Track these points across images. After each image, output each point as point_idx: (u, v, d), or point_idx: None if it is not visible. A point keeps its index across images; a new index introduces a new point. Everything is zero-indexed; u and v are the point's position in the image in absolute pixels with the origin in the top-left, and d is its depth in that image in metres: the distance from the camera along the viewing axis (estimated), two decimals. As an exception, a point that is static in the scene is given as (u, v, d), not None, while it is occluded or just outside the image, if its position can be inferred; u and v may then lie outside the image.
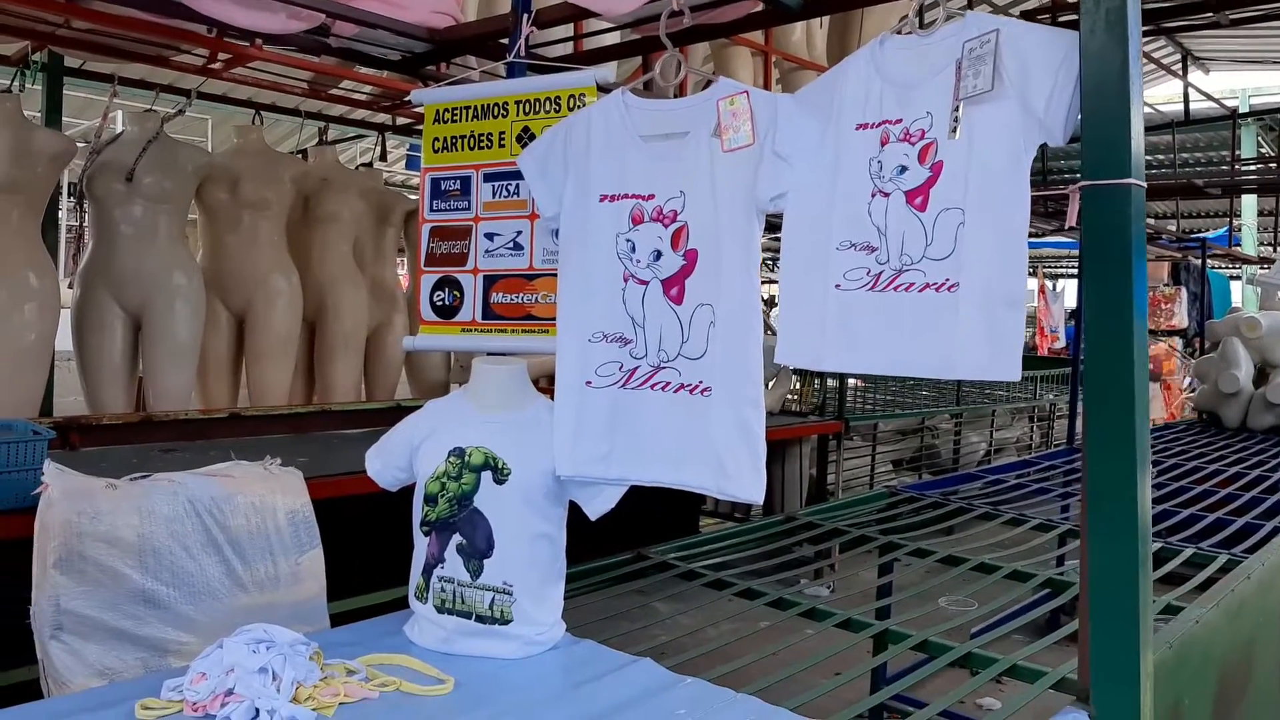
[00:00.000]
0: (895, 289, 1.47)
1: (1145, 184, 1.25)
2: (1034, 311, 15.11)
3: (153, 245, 3.65)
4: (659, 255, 1.69)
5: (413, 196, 4.81)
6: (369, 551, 2.63)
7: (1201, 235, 11.13)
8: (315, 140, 4.82)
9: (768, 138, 1.60)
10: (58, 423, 3.05)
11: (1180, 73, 8.17)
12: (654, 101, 1.78)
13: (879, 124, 1.52)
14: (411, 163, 10.57)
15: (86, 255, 3.69)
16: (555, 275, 1.80)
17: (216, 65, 2.45)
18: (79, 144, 3.73)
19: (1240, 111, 10.82)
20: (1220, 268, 14.16)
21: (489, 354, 1.93)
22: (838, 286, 1.53)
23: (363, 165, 5.13)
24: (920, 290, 1.44)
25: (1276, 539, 2.53)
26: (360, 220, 4.49)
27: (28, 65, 3.49)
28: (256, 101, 4.35)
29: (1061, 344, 13.06)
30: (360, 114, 4.79)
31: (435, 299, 2.03)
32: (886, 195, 1.49)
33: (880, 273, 1.49)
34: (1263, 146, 12.56)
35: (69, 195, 6.53)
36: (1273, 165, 9.95)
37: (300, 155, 4.89)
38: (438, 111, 2.03)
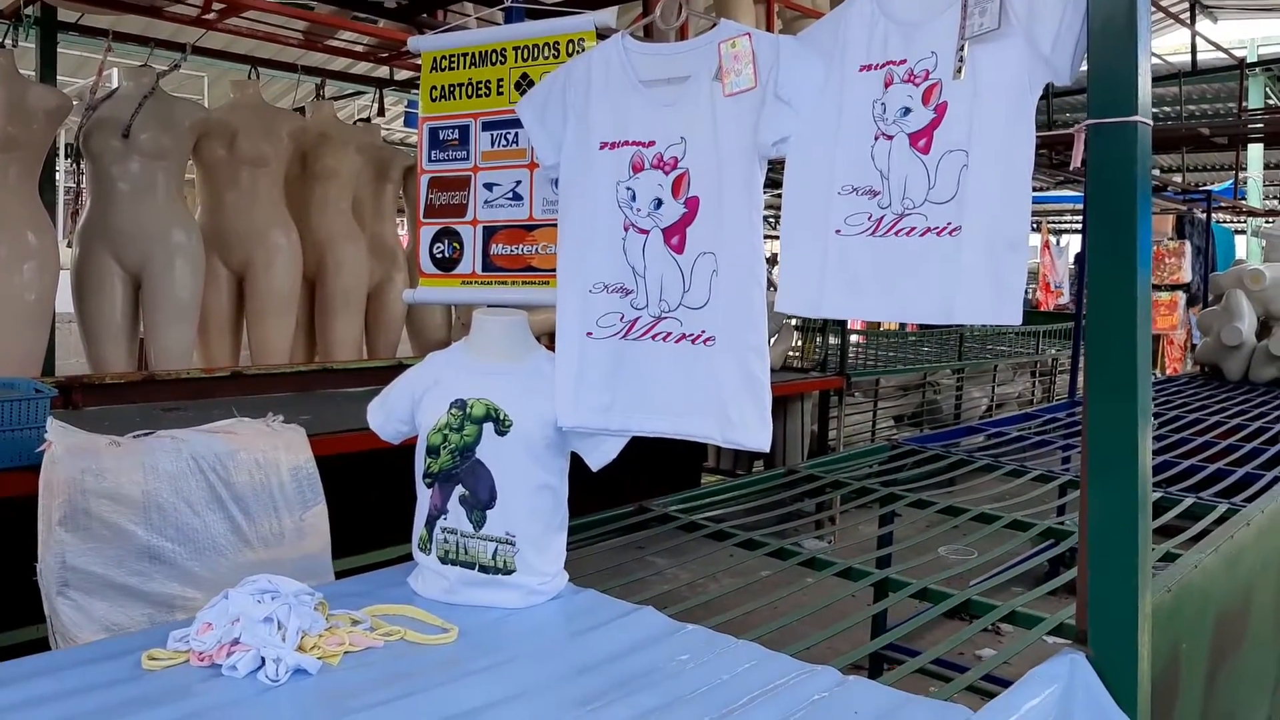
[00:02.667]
0: (897, 234, 1.46)
1: (1151, 122, 1.23)
2: (1037, 267, 15.04)
3: (151, 203, 3.62)
4: (660, 203, 1.67)
5: (411, 152, 4.76)
6: (373, 508, 2.64)
7: (1207, 188, 11.05)
8: (313, 96, 4.77)
9: (770, 81, 1.57)
10: (60, 382, 3.05)
11: (1188, 21, 8.05)
12: (654, 45, 1.75)
13: (883, 65, 1.49)
14: (410, 120, 10.45)
15: (84, 214, 3.67)
16: (555, 226, 1.79)
17: (211, 15, 2.41)
18: (74, 101, 3.69)
19: (1248, 61, 10.69)
20: (1226, 221, 14.06)
21: (489, 306, 1.92)
22: (838, 232, 1.52)
23: (361, 121, 5.07)
24: (922, 235, 1.43)
25: (1276, 487, 2.53)
26: (359, 176, 4.45)
27: (20, 20, 3.44)
28: (254, 56, 4.29)
29: (1065, 299, 13.02)
30: (359, 68, 4.72)
31: (435, 251, 2.02)
32: (890, 138, 1.47)
33: (882, 217, 1.47)
34: (1270, 97, 12.40)
35: (66, 155, 6.49)
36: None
37: (298, 111, 4.85)
38: (435, 59, 2.00)
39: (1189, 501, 2.52)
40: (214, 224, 3.96)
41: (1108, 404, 1.24)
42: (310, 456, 2.31)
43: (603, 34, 1.83)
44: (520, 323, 1.75)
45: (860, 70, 1.52)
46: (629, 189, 1.70)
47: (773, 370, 5.10)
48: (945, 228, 1.40)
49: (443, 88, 2.00)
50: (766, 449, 1.56)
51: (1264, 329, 5.82)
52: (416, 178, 2.07)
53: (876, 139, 1.48)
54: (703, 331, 1.63)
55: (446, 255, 2.01)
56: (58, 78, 4.12)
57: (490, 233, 1.97)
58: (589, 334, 1.71)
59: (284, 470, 2.29)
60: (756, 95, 1.58)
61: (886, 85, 1.48)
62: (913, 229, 1.44)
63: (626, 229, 1.70)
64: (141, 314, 3.73)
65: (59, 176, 4.94)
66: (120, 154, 3.57)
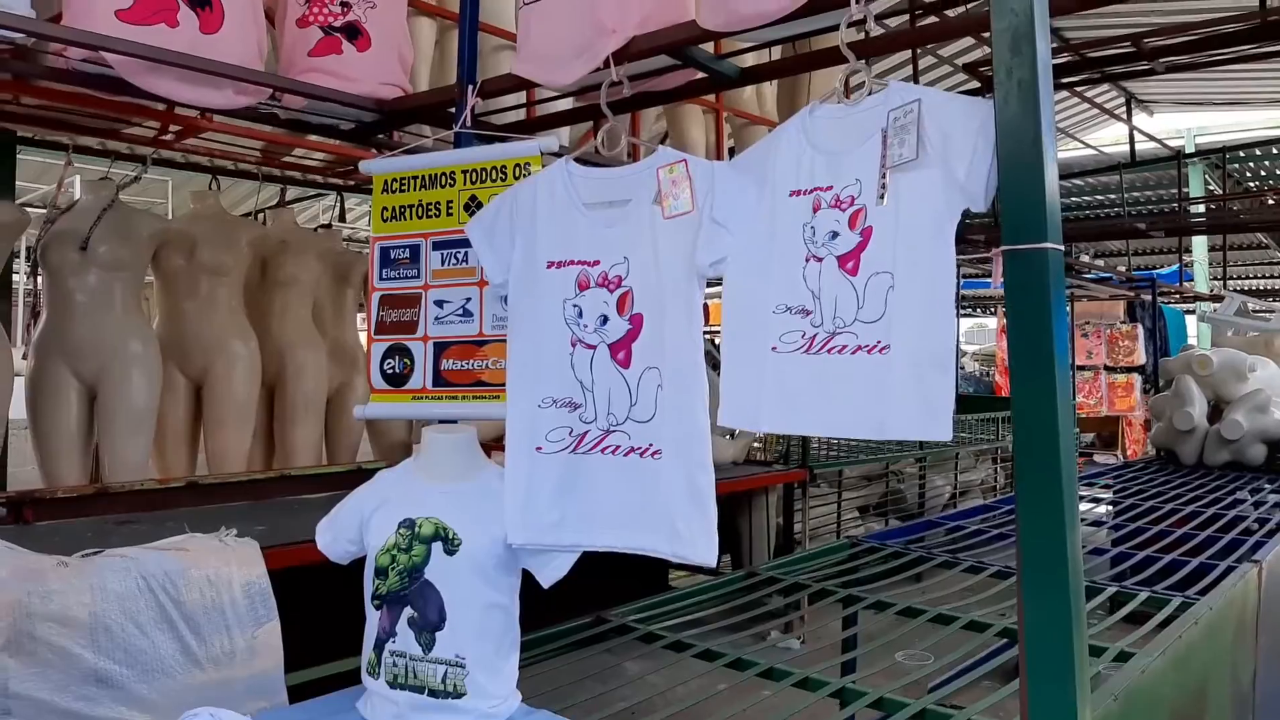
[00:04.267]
0: (829, 351, 1.50)
1: (1062, 246, 1.30)
2: (994, 350, 15.29)
3: (108, 313, 3.63)
4: (605, 320, 1.72)
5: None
6: (329, 619, 2.60)
7: (1152, 273, 11.39)
8: (275, 200, 4.84)
9: (706, 205, 1.64)
10: (10, 497, 3.00)
11: (1125, 117, 8.41)
12: (596, 170, 1.82)
13: (811, 190, 1.56)
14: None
15: (40, 325, 3.66)
16: (505, 341, 1.82)
17: (168, 136, 2.47)
18: (35, 210, 3.72)
19: (1187, 151, 11.16)
20: (1175, 303, 14.45)
21: (439, 421, 1.94)
22: (774, 349, 1.56)
23: (322, 226, 5.14)
24: (853, 352, 1.48)
25: (1225, 581, 2.57)
26: (319, 282, 4.49)
27: (-22, 138, 3.49)
28: (214, 166, 4.36)
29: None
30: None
31: (385, 367, 2.04)
32: (820, 260, 1.53)
33: (815, 335, 1.52)
34: (1210, 184, 12.92)
35: (26, 259, 6.48)
36: (1221, 202, 10.22)
37: (259, 217, 4.91)
38: (386, 181, 2.06)
39: (1144, 596, 2.54)
40: (172, 333, 3.97)
41: (1036, 521, 1.27)
42: (264, 572, 2.29)
43: (548, 158, 1.90)
44: (469, 439, 1.77)
45: (790, 195, 1.58)
46: (576, 306, 1.74)
47: (736, 464, 5.12)
48: (875, 346, 1.45)
49: (394, 208, 2.06)
50: (713, 564, 1.58)
51: (1215, 413, 5.94)
52: (368, 293, 2.11)
53: (808, 260, 1.54)
54: (650, 445, 1.65)
55: (397, 371, 2.03)
56: (17, 184, 4.16)
57: (441, 348, 2.00)
58: (538, 448, 1.73)
59: (236, 587, 2.26)
60: (694, 218, 1.65)
61: (815, 210, 1.55)
62: (844, 347, 1.49)
63: (574, 345, 1.74)
64: (96, 424, 3.69)
65: (17, 279, 4.93)
66: (78, 266, 3.58)
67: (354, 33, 2.26)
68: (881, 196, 1.46)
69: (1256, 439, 5.60)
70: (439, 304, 2.00)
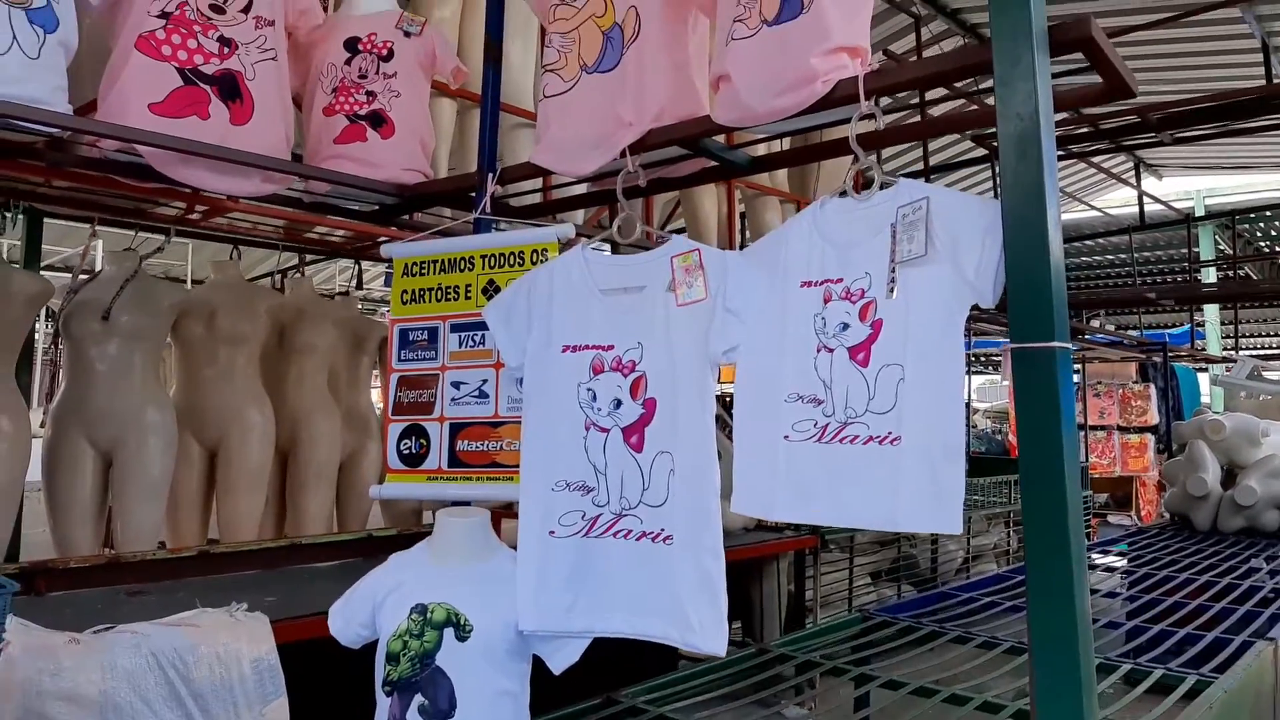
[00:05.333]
0: (841, 441, 1.52)
1: (1070, 345, 1.32)
2: (1005, 407, 15.21)
3: (127, 382, 3.66)
4: (619, 404, 1.75)
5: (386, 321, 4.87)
6: (338, 695, 2.59)
7: (1164, 333, 11.38)
8: (294, 262, 4.90)
9: (719, 293, 1.67)
10: (24, 568, 3.01)
11: (1134, 182, 8.49)
12: (612, 256, 1.87)
13: (821, 282, 1.60)
14: (390, 279, 10.72)
15: (60, 393, 3.70)
16: (520, 423, 1.85)
17: (194, 215, 2.53)
18: (55, 273, 3.78)
19: (1196, 214, 11.24)
20: (1186, 362, 14.43)
21: (454, 503, 1.95)
22: (787, 438, 1.58)
23: (340, 292, 5.21)
24: (865, 443, 1.50)
25: (1241, 659, 2.54)
26: (335, 349, 4.53)
27: (7, 210, 3.57)
28: (235, 236, 4.44)
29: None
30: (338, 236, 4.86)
31: (402, 447, 2.07)
32: (831, 351, 1.56)
33: (827, 425, 1.54)
34: (1220, 243, 12.97)
35: (46, 320, 6.55)
36: (1231, 263, 10.25)
37: (277, 282, 4.95)
38: (406, 265, 2.11)
39: (1159, 673, 2.52)
40: (188, 401, 4.00)
41: (1047, 617, 1.28)
42: (272, 647, 2.28)
43: (565, 245, 1.95)
44: (483, 523, 1.79)
45: (801, 286, 1.62)
46: (590, 390, 1.77)
47: (747, 530, 5.07)
48: (886, 437, 1.47)
49: (413, 291, 2.10)
50: (722, 654, 1.58)
51: (1229, 478, 5.91)
52: (386, 371, 2.14)
53: (819, 351, 1.57)
54: (662, 530, 1.67)
55: (414, 451, 2.06)
56: (43, 247, 4.23)
57: (457, 429, 2.03)
58: (551, 532, 1.75)
59: (245, 663, 2.25)
60: (707, 306, 1.68)
61: (826, 301, 1.58)
62: (856, 437, 1.51)
63: (588, 428, 1.77)
64: (111, 491, 3.71)
65: (38, 339, 5.00)
66: (99, 336, 3.63)
67: (378, 120, 2.33)
68: (891, 290, 1.50)
69: (1270, 505, 5.56)
70: (456, 385, 2.04)
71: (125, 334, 3.64)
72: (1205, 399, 12.74)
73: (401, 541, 3.66)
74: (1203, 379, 14.11)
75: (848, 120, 1.63)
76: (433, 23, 3.19)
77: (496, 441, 1.98)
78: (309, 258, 5.10)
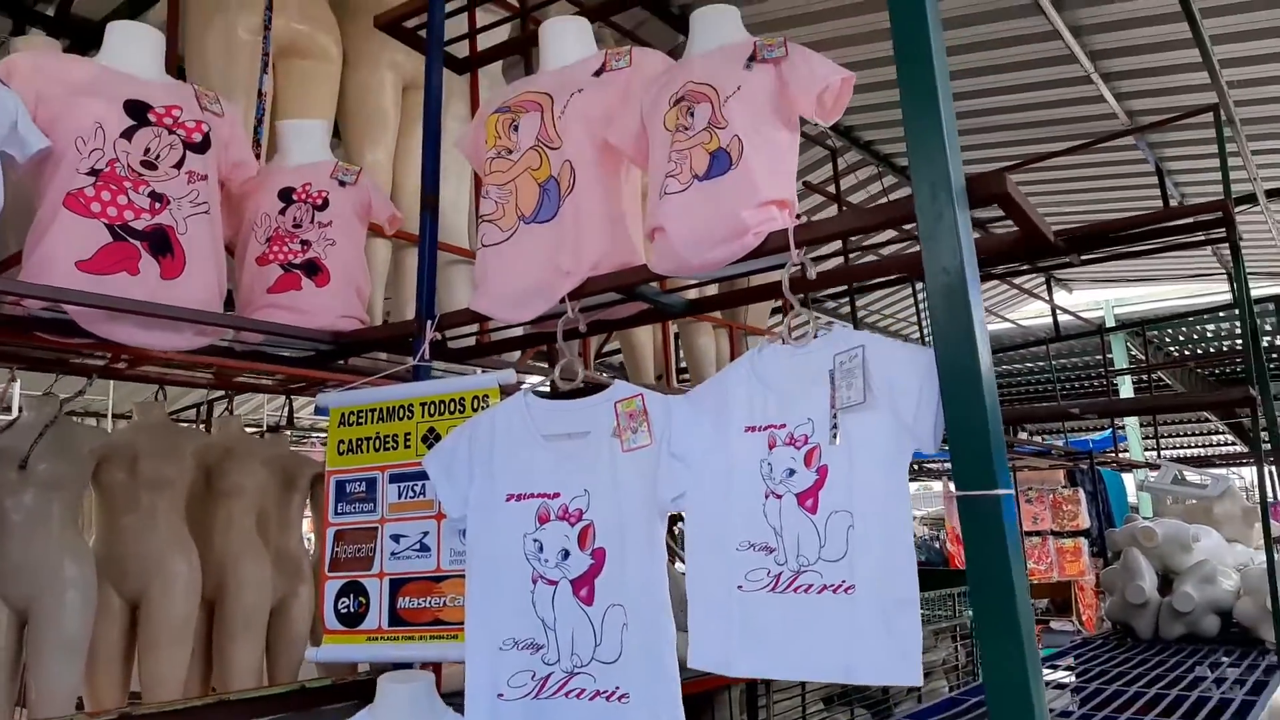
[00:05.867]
0: (795, 590, 1.50)
1: (1013, 490, 1.34)
2: (941, 514, 15.35)
3: (44, 534, 3.47)
4: (567, 554, 1.71)
5: (318, 458, 4.75)
6: None
7: (1088, 440, 11.71)
8: (219, 393, 4.76)
9: (664, 439, 1.67)
10: (-80, 743, 2.78)
11: (1046, 296, 8.86)
12: (555, 402, 1.86)
13: (765, 427, 1.60)
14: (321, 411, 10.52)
15: (-32, 549, 3.49)
16: (463, 577, 1.80)
17: (120, 365, 2.47)
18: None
19: (1107, 324, 11.76)
20: (1112, 466, 14.83)
21: (394, 666, 1.87)
22: (740, 587, 1.56)
23: (269, 429, 5.08)
24: (819, 591, 1.48)
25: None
26: (265, 490, 4.37)
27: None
28: (160, 379, 4.33)
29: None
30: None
31: (340, 606, 1.99)
32: (779, 497, 1.56)
33: (780, 573, 1.53)
34: (1133, 350, 13.57)
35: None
36: (1146, 371, 10.68)
37: (203, 413, 4.79)
38: (343, 414, 2.07)
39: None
40: (109, 551, 3.80)
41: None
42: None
43: (506, 390, 1.94)
44: (426, 688, 1.71)
45: (745, 430, 1.62)
46: (536, 540, 1.74)
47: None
48: (840, 585, 1.46)
49: (350, 441, 2.06)
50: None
51: (1165, 583, 5.99)
52: (322, 512, 2.07)
53: (767, 497, 1.57)
54: (617, 688, 1.62)
55: (352, 610, 1.97)
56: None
57: (397, 585, 1.96)
58: (500, 695, 1.68)
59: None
60: (653, 452, 1.67)
61: (770, 447, 1.58)
62: (810, 586, 1.49)
63: (535, 580, 1.72)
64: (25, 649, 3.48)
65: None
66: (15, 486, 3.46)
67: (313, 269, 2.33)
68: (834, 437, 1.51)
69: (1209, 610, 5.63)
70: (395, 539, 1.98)
71: (43, 483, 3.48)
72: (1132, 499, 13.05)
73: (336, 693, 3.49)
74: (1128, 479, 14.50)
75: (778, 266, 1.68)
76: (365, 166, 3.24)
77: (440, 597, 1.91)
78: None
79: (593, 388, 1.91)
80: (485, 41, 3.02)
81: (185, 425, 4.63)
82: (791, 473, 1.55)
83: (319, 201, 2.39)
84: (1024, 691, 1.24)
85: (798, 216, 1.78)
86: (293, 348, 2.29)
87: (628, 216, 2.00)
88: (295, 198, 2.39)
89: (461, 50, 2.69)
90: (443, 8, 2.19)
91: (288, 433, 5.21)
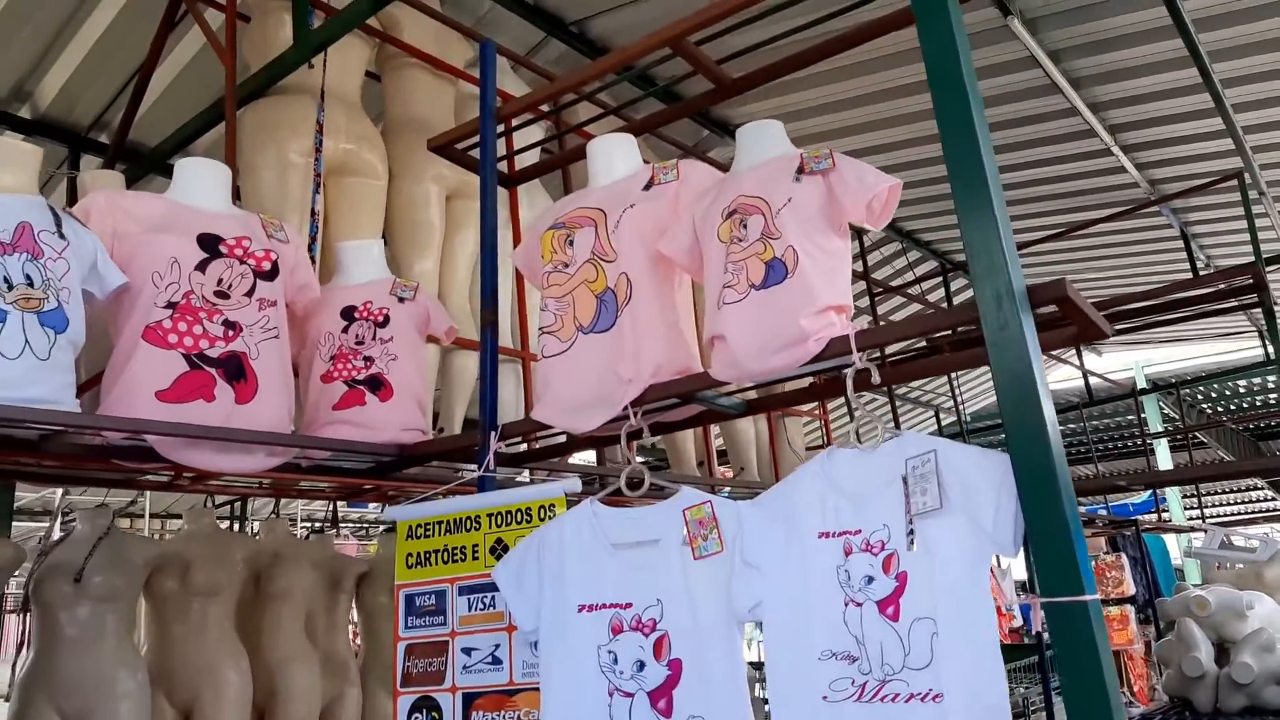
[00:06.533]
0: (882, 700, 1.50)
1: (1099, 596, 1.34)
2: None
3: (99, 647, 3.49)
4: (642, 666, 1.71)
5: (363, 558, 4.77)
6: None
7: (1128, 505, 11.52)
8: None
9: (736, 546, 1.68)
10: None
11: (1076, 362, 8.85)
12: (622, 510, 1.88)
13: (840, 534, 1.61)
14: (353, 503, 10.55)
15: (28, 663, 3.52)
16: (537, 690, 1.79)
17: (183, 482, 2.52)
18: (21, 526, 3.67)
19: (1138, 385, 11.69)
20: (1153, 530, 14.56)
21: (473, 783, 1.86)
22: (825, 698, 1.55)
23: (314, 531, 5.11)
24: (906, 700, 1.47)
25: None
26: (312, 592, 4.39)
27: (-14, 483, 3.51)
28: (221, 489, 4.39)
29: (1019, 622, 12.96)
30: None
31: (413, 721, 1.98)
32: (859, 605, 1.56)
33: (865, 683, 1.52)
34: (1165, 409, 13.45)
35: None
36: (1183, 433, 10.55)
37: (236, 512, 4.84)
38: (410, 527, 2.09)
39: None
40: (161, 661, 3.81)
41: None
42: None
43: (572, 499, 1.96)
44: (507, 806, 1.70)
45: (819, 537, 1.63)
46: (610, 652, 1.74)
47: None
48: (927, 694, 1.45)
49: (418, 554, 2.08)
50: None
51: (1222, 653, 5.83)
52: (394, 639, 2.07)
53: (847, 605, 1.57)
54: (698, 800, 1.60)
55: (425, 726, 1.97)
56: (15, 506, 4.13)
57: (470, 699, 1.95)
58: (578, 812, 1.66)
59: None
60: (725, 559, 1.68)
61: (847, 553, 1.59)
62: (897, 695, 1.48)
63: (612, 694, 1.72)
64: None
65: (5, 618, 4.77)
66: (70, 599, 3.49)
67: (376, 384, 2.38)
68: (911, 543, 1.52)
69: (1270, 680, 5.45)
70: (467, 652, 1.98)
71: (97, 596, 3.52)
72: (1176, 562, 12.77)
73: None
74: (1171, 542, 14.22)
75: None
76: (414, 275, 3.33)
77: (513, 711, 1.91)
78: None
79: (657, 490, 1.93)
80: (519, 141, 3.14)
81: (235, 533, 4.66)
82: (870, 580, 1.55)
83: (380, 319, 2.46)
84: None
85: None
86: (356, 460, 2.34)
87: (682, 322, 2.05)
88: (357, 315, 2.46)
89: (502, 166, 2.79)
90: (494, 132, 2.29)
91: (333, 533, 5.25)
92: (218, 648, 3.90)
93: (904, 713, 1.46)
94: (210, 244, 2.14)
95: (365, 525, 13.85)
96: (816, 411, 5.48)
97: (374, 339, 2.43)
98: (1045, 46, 4.49)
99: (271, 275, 2.21)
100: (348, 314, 2.47)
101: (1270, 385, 12.55)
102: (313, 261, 2.75)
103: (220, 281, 2.10)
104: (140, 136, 4.22)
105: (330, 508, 5.13)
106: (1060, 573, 1.33)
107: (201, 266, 2.10)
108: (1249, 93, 4.90)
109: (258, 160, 2.99)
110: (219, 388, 2.04)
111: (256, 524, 7.43)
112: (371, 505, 11.72)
